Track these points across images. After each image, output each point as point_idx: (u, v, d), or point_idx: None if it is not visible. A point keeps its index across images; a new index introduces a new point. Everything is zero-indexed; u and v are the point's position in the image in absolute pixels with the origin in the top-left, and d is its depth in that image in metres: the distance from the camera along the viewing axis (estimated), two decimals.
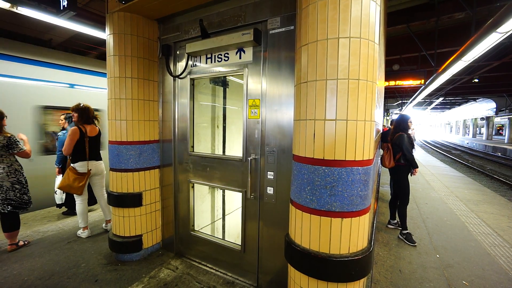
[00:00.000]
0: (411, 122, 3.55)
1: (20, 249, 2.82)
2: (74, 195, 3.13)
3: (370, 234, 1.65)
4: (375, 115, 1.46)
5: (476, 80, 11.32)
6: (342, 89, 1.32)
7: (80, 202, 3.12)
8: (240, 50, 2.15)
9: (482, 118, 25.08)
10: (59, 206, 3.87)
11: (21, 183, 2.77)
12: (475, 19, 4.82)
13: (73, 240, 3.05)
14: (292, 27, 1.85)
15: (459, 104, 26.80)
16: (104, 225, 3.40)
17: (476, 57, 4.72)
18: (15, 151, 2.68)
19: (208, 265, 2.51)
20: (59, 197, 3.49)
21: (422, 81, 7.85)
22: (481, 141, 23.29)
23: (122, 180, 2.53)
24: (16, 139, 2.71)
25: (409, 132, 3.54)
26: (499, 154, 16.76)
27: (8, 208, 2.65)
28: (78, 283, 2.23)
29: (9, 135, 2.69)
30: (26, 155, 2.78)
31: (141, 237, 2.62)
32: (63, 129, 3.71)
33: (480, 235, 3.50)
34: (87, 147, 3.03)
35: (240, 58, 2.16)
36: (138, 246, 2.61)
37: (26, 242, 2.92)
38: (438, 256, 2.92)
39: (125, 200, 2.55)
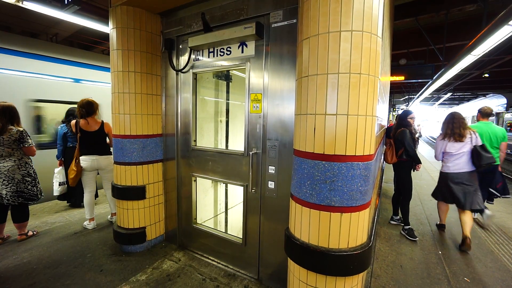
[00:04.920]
0: (411, 118, 3.44)
1: (29, 239, 2.91)
2: (83, 186, 3.21)
3: (370, 229, 1.65)
4: (376, 110, 1.44)
5: (487, 75, 11.01)
6: (343, 84, 1.31)
7: (86, 194, 3.19)
8: (242, 44, 2.14)
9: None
10: (59, 198, 3.95)
11: (31, 175, 2.84)
12: (487, 11, 4.66)
13: (79, 231, 3.13)
14: (294, 21, 1.83)
15: (468, 100, 26.17)
16: (109, 217, 3.48)
17: (487, 51, 4.57)
18: (26, 145, 2.73)
19: (210, 257, 2.56)
20: (56, 189, 3.56)
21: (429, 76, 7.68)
22: None
23: (126, 173, 2.58)
24: (27, 133, 2.77)
25: (415, 127, 3.48)
26: (509, 151, 16.40)
27: (19, 200, 2.72)
28: (84, 272, 2.30)
29: (21, 129, 2.74)
30: (32, 151, 2.81)
31: (144, 229, 2.68)
32: (62, 122, 3.77)
33: (484, 232, 3.46)
34: (77, 142, 3.07)
35: (242, 52, 2.15)
36: (142, 238, 2.67)
37: (35, 232, 3.02)
38: (440, 252, 2.91)
39: (129, 193, 2.60)
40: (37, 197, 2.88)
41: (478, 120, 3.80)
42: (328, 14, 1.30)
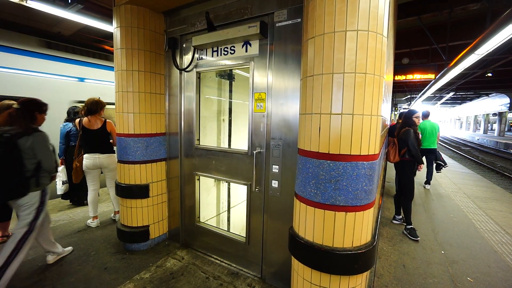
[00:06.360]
0: (416, 117, 3.44)
1: None
2: (87, 185, 3.23)
3: (374, 228, 1.66)
4: (382, 110, 1.44)
5: (490, 75, 10.96)
6: (348, 83, 1.31)
7: (90, 192, 3.22)
8: (246, 43, 2.14)
9: (494, 114, 24.35)
10: (62, 197, 3.97)
11: None
12: (491, 10, 4.63)
13: (83, 229, 3.15)
14: (299, 20, 1.83)
15: (471, 99, 26.07)
16: (112, 215, 3.50)
17: (490, 50, 4.55)
18: None
19: (213, 256, 2.57)
20: (60, 187, 3.58)
21: (433, 75, 7.65)
22: (493, 137, 22.67)
23: (129, 172, 2.59)
24: None
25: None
26: (511, 150, 16.31)
27: None
28: (88, 270, 2.32)
29: None
30: None
31: (148, 228, 2.69)
32: (65, 121, 3.78)
33: (488, 232, 3.46)
34: (78, 139, 3.15)
35: (246, 51, 2.15)
36: (145, 236, 2.68)
37: None
38: (443, 252, 2.91)
39: (133, 192, 2.62)
40: None
41: (423, 120, 5.39)
42: (333, 14, 1.30)
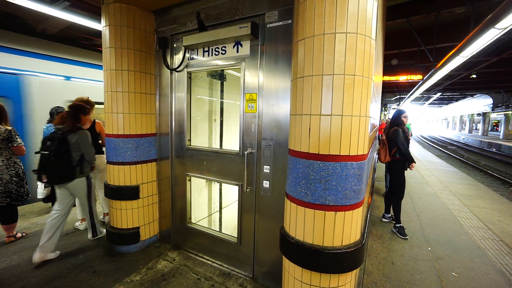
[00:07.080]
0: (405, 117, 3.54)
1: (18, 240, 2.84)
2: None
3: (363, 227, 1.69)
4: (370, 111, 1.47)
5: (474, 76, 11.34)
6: (338, 85, 1.33)
7: None
8: (238, 43, 2.14)
9: (478, 114, 25.23)
10: (44, 200, 3.81)
11: (19, 176, 2.77)
12: (475, 14, 4.80)
13: (71, 232, 3.08)
14: (289, 21, 1.84)
15: (457, 100, 26.91)
16: (102, 217, 3.42)
17: (474, 52, 4.71)
18: (14, 145, 2.66)
19: (204, 257, 2.56)
20: (41, 191, 3.43)
21: (421, 76, 7.85)
22: (477, 136, 23.49)
23: (119, 173, 2.54)
24: (16, 133, 2.70)
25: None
26: (494, 149, 16.95)
27: (7, 200, 2.66)
28: (76, 274, 2.26)
29: (10, 128, 2.67)
30: (21, 151, 2.75)
31: (138, 230, 2.65)
32: (48, 122, 3.65)
33: (471, 228, 3.58)
34: None
35: (237, 51, 2.15)
36: (136, 238, 2.64)
37: (23, 234, 2.95)
38: (429, 248, 3.00)
39: (123, 193, 2.57)
40: (23, 197, 2.81)
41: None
42: (323, 16, 1.32)
